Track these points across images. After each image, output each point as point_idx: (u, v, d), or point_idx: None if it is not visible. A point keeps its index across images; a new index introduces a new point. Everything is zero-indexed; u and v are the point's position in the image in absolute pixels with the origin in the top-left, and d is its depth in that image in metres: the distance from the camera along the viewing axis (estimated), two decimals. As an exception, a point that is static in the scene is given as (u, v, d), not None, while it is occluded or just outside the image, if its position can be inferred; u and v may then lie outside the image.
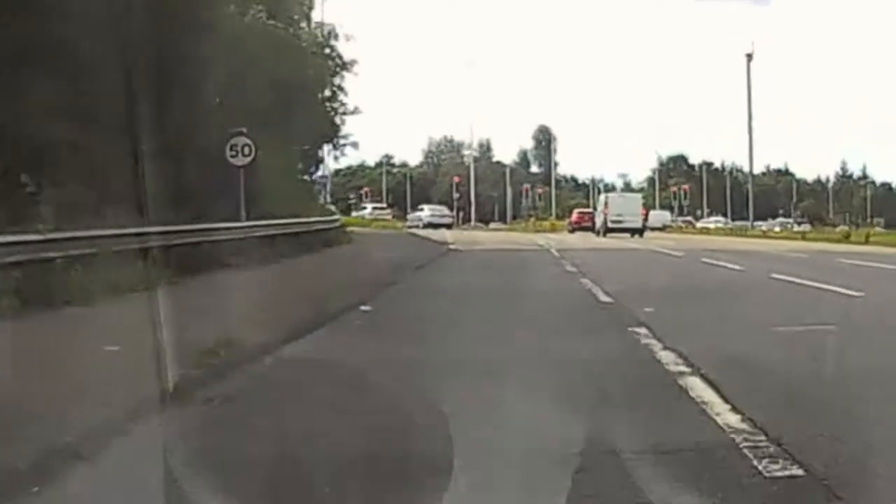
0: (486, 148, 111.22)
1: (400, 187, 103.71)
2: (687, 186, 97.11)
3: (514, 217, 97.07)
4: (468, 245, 34.80)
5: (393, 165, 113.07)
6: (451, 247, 33.05)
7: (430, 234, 43.49)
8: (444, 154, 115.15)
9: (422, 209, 71.90)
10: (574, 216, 66.25)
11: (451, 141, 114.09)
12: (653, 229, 59.72)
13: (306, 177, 36.55)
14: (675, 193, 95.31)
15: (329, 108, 37.63)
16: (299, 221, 24.79)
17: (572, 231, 60.78)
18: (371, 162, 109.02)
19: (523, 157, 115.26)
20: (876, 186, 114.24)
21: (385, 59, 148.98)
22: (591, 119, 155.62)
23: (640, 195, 69.94)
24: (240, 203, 23.08)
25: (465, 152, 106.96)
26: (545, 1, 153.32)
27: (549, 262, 24.13)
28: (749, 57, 73.12)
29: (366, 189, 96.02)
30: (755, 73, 70.91)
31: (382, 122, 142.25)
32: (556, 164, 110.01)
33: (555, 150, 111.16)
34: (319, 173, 48.60)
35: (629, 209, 54.06)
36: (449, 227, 62.36)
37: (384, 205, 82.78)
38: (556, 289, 16.23)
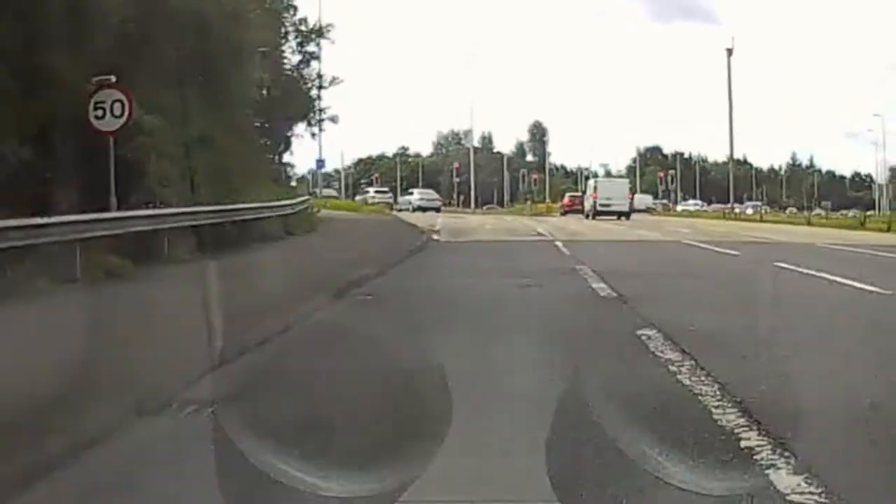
0: (487, 140, 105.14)
1: (413, 175, 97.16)
2: (673, 172, 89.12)
3: (512, 201, 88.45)
4: (455, 236, 23.40)
5: (408, 156, 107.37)
6: (435, 237, 22.22)
7: (418, 220, 32.03)
8: (451, 145, 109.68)
9: (411, 193, 59.85)
10: (566, 200, 57.07)
11: (457, 133, 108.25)
12: (638, 211, 51.42)
13: (273, 156, 25.89)
14: (661, 178, 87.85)
15: (301, 79, 26.97)
16: (200, 211, 14.11)
17: (564, 213, 51.80)
18: (389, 153, 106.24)
19: (520, 148, 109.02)
20: (822, 174, 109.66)
21: (399, 60, 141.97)
22: (578, 115, 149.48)
23: (626, 180, 58.43)
24: (109, 185, 12.83)
25: (464, 140, 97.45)
26: (537, 12, 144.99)
27: (563, 269, 12.78)
28: (729, 52, 63.34)
29: (376, 175, 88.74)
30: (716, 75, 61.39)
31: (399, 117, 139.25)
32: (548, 154, 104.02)
33: (547, 142, 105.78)
34: (316, 156, 38.38)
35: (617, 193, 45.47)
36: (438, 210, 51.14)
37: (385, 188, 68.76)
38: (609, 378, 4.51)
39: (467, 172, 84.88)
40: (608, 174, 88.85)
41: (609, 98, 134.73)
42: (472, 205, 78.44)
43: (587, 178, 76.38)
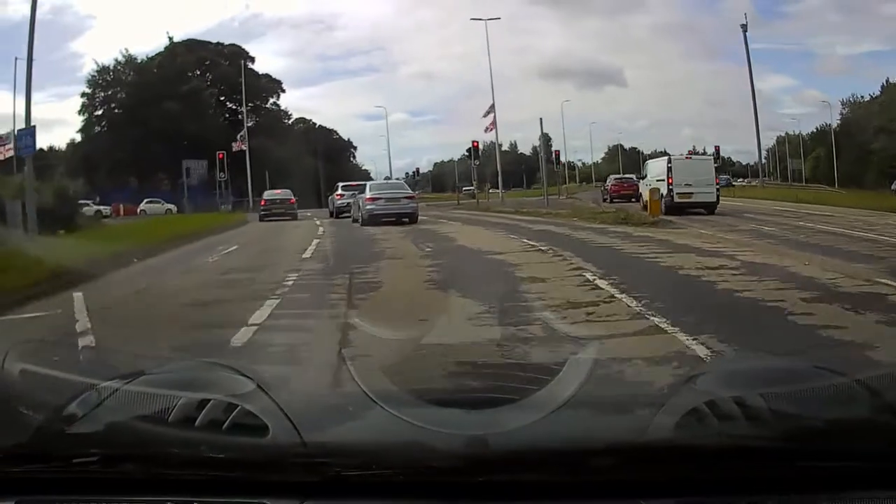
0: (514, 146, 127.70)
1: (467, 173, 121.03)
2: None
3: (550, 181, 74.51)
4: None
5: (469, 160, 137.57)
6: None
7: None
8: (490, 152, 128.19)
9: (362, 190, 29.92)
10: (611, 185, 46.34)
11: (492, 142, 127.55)
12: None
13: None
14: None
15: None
16: None
17: (611, 201, 40.86)
18: (455, 158, 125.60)
19: (534, 150, 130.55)
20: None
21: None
22: (568, 125, 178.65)
23: (710, 157, 36.96)
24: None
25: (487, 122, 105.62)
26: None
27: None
28: (744, 27, 63.28)
29: (416, 169, 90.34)
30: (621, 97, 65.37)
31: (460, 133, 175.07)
32: (552, 152, 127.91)
33: (552, 144, 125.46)
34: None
35: (700, 176, 30.01)
36: (414, 218, 26.86)
37: (362, 185, 34.57)
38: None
39: (493, 158, 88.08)
40: (584, 165, 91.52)
41: (586, 113, 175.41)
42: (500, 189, 73.70)
43: (574, 167, 64.96)
